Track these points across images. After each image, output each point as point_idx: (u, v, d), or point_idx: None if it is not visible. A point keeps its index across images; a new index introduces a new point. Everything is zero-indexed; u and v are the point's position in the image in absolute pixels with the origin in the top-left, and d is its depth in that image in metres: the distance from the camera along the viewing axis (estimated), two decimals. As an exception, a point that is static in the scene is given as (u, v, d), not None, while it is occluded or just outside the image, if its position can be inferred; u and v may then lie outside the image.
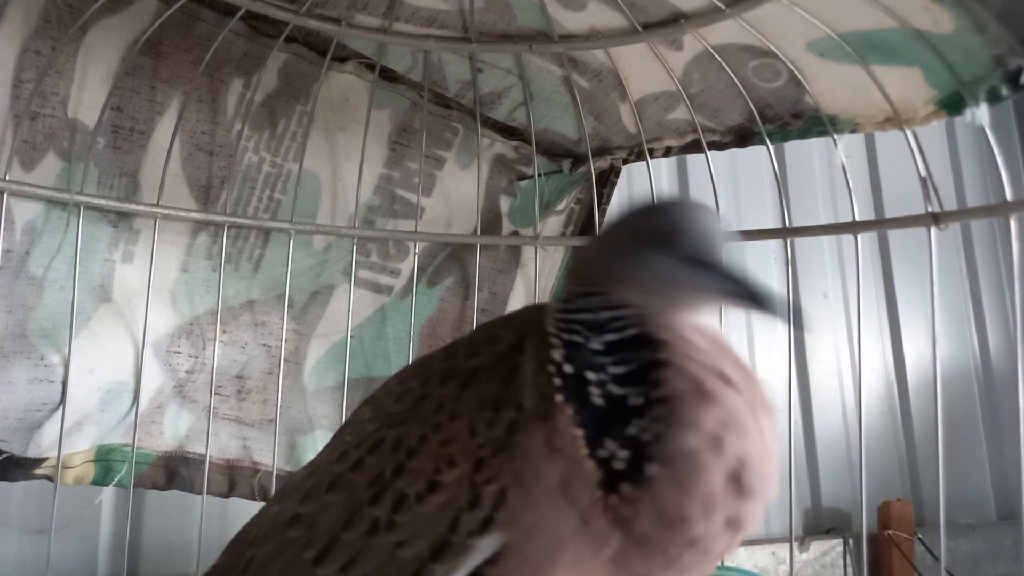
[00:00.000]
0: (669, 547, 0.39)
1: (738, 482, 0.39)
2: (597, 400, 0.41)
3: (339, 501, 0.44)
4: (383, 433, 0.45)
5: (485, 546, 0.40)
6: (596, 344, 0.42)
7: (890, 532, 1.38)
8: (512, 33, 0.90)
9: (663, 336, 0.42)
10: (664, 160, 1.24)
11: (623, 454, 0.39)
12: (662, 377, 0.40)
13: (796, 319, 0.48)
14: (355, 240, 0.95)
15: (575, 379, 0.41)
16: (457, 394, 0.44)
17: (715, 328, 0.46)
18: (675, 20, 0.81)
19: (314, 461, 0.50)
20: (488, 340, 0.46)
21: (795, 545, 1.35)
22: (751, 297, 0.42)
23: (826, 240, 1.59)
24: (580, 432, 0.40)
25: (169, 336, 0.89)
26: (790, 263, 0.89)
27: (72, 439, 0.83)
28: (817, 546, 1.39)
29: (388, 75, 0.96)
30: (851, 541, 1.40)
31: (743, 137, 0.92)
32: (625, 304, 0.43)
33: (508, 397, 0.42)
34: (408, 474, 0.42)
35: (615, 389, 0.41)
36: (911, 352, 1.63)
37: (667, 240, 0.43)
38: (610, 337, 0.42)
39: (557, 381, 0.42)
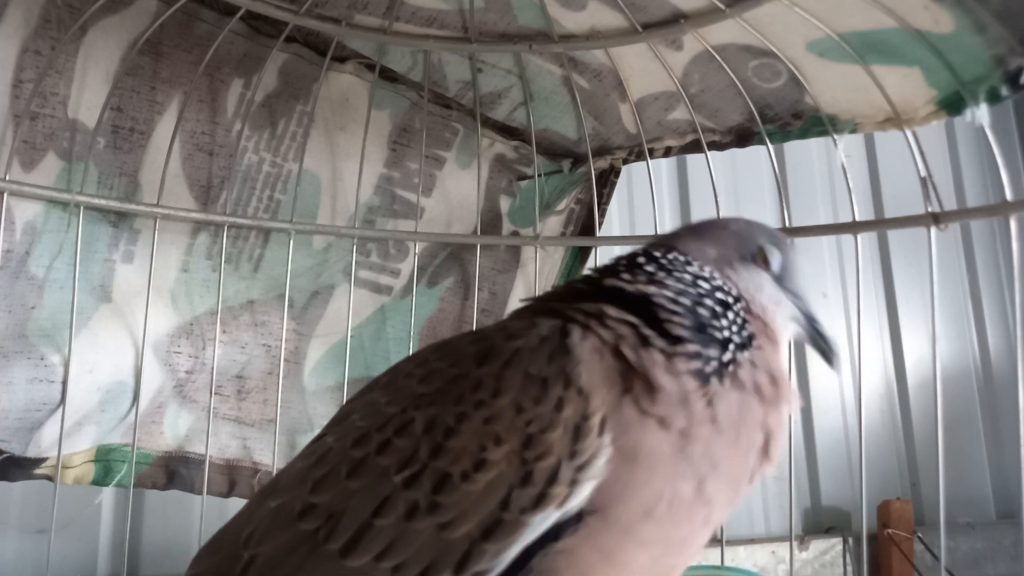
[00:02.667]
0: (734, 445, 0.45)
1: (767, 447, 0.47)
2: (712, 328, 0.47)
3: (366, 487, 0.42)
4: (411, 414, 0.43)
5: (537, 523, 0.40)
6: (710, 300, 0.49)
7: (890, 531, 1.38)
8: (512, 33, 0.90)
9: (759, 342, 0.50)
10: (664, 160, 1.24)
11: (713, 364, 0.46)
12: (755, 353, 0.48)
13: (829, 356, 0.56)
14: (355, 240, 0.95)
15: (671, 301, 0.47)
16: (499, 372, 0.43)
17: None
18: (675, 20, 0.81)
19: (313, 451, 0.47)
20: (527, 326, 0.46)
21: (795, 544, 1.35)
22: (823, 341, 0.54)
23: (826, 240, 1.59)
24: (675, 341, 0.45)
25: (169, 336, 0.89)
26: (790, 263, 0.89)
27: (72, 439, 0.83)
28: (817, 545, 1.39)
29: (388, 75, 0.96)
30: (851, 540, 1.40)
31: (743, 137, 0.92)
32: (744, 299, 0.51)
33: (555, 373, 0.42)
34: (449, 453, 0.41)
35: (727, 331, 0.47)
36: (911, 352, 1.63)
37: (776, 268, 0.53)
38: (735, 309, 0.49)
39: (633, 342, 0.45)
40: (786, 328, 0.54)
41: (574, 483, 0.40)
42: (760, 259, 0.53)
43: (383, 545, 0.40)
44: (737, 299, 0.50)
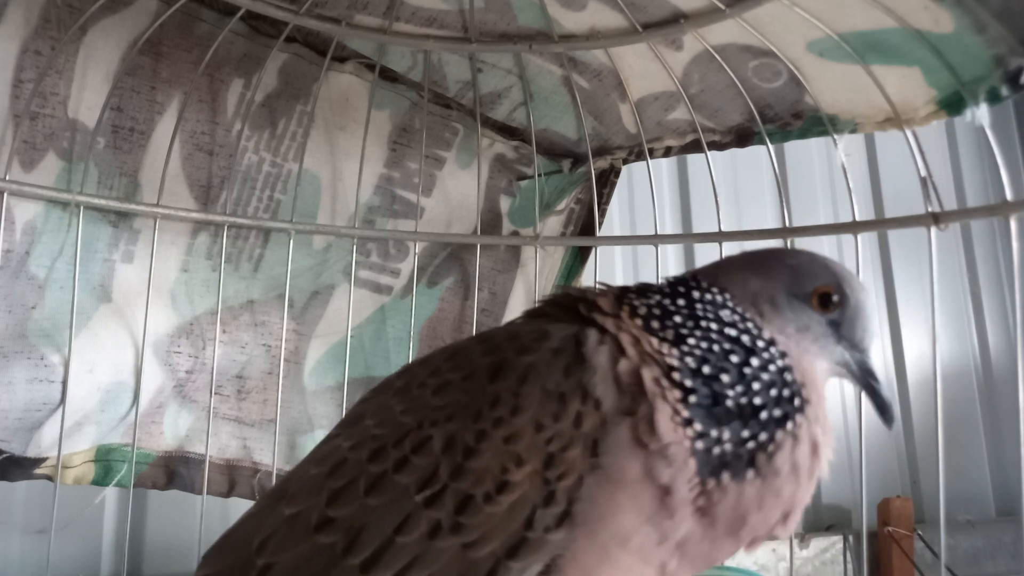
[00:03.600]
0: (720, 539, 0.43)
1: (785, 520, 0.45)
2: (727, 399, 0.43)
3: (386, 504, 0.41)
4: (427, 431, 0.43)
5: (560, 538, 0.40)
6: (735, 356, 0.45)
7: (890, 529, 1.38)
8: (512, 33, 0.90)
9: (807, 393, 0.46)
10: (664, 160, 1.24)
11: (728, 447, 0.42)
12: (800, 420, 0.45)
13: (884, 414, 0.51)
14: (355, 240, 0.95)
15: (693, 373, 0.44)
16: (516, 388, 0.42)
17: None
18: (675, 20, 0.81)
19: (326, 456, 0.46)
20: (539, 336, 0.45)
21: (795, 542, 1.35)
22: (878, 397, 0.50)
23: (826, 240, 1.59)
24: (687, 422, 0.42)
25: (169, 336, 0.89)
26: (790, 263, 0.89)
27: (72, 439, 0.83)
28: (817, 543, 1.39)
29: (388, 75, 0.96)
30: (851, 538, 1.40)
31: (743, 137, 0.92)
32: (775, 339, 0.47)
33: (572, 388, 0.42)
34: (470, 475, 0.41)
35: (756, 397, 0.44)
36: (911, 351, 1.63)
37: (832, 312, 0.49)
38: (759, 358, 0.45)
39: (656, 373, 0.43)
40: (826, 373, 0.50)
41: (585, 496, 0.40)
42: (815, 300, 0.49)
43: (405, 562, 0.40)
44: (771, 345, 0.47)
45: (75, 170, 0.82)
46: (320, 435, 0.95)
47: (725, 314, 0.47)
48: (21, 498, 0.97)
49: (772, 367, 0.45)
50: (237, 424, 0.93)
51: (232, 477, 0.92)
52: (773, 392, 0.44)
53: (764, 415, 0.44)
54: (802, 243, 0.81)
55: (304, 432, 0.95)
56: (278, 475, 0.90)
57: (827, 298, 0.49)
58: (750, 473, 0.43)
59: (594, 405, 0.42)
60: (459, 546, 0.39)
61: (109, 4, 0.81)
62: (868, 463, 0.83)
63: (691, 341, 0.45)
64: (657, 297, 0.48)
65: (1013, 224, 0.70)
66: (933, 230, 0.76)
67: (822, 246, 1.59)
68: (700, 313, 0.47)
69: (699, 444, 0.42)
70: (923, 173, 0.75)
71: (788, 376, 0.46)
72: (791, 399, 0.45)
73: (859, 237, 0.83)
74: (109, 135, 0.85)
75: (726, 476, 0.42)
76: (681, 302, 0.48)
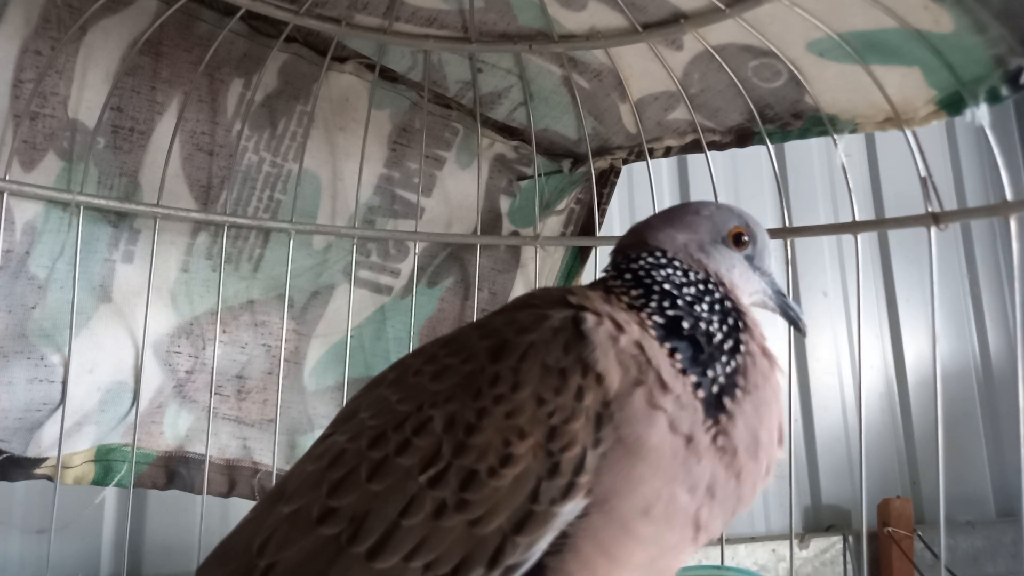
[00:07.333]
0: (744, 467, 0.46)
1: (780, 434, 0.49)
2: (701, 338, 0.48)
3: (389, 488, 0.41)
4: (428, 412, 0.43)
5: (568, 511, 0.40)
6: (692, 299, 0.50)
7: (890, 529, 1.39)
8: (512, 33, 0.90)
9: (744, 313, 0.52)
10: (664, 160, 1.24)
11: (722, 380, 0.47)
12: (745, 338, 0.50)
13: (798, 324, 0.59)
14: (355, 240, 0.95)
15: (672, 323, 0.48)
16: (516, 365, 0.43)
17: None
18: (675, 20, 0.81)
19: (323, 452, 0.46)
20: (538, 318, 0.46)
21: (795, 542, 1.35)
22: (791, 312, 0.59)
23: (826, 239, 1.59)
24: (683, 372, 0.46)
25: (169, 336, 0.89)
26: (790, 262, 0.89)
27: (72, 439, 0.83)
28: (817, 543, 1.40)
29: (388, 75, 0.96)
30: (851, 538, 1.41)
31: (743, 137, 0.92)
32: (715, 280, 0.53)
33: (572, 363, 0.43)
34: (473, 450, 0.41)
35: (718, 333, 0.49)
36: (911, 351, 1.64)
37: (746, 248, 0.56)
38: (708, 297, 0.51)
39: (653, 334, 0.47)
40: (750, 300, 0.57)
41: (599, 471, 0.41)
42: (731, 241, 0.56)
43: (412, 545, 0.40)
44: (708, 281, 0.52)
45: (75, 170, 0.82)
46: (320, 435, 0.95)
47: (669, 272, 0.52)
48: (21, 498, 0.97)
49: (724, 304, 0.51)
50: (237, 424, 0.93)
51: (232, 477, 0.92)
52: (728, 322, 0.50)
53: (729, 344, 0.49)
54: (802, 243, 0.81)
55: (304, 432, 0.95)
56: (278, 475, 0.90)
57: (740, 237, 0.56)
58: (738, 392, 0.47)
59: (595, 379, 0.42)
60: (465, 523, 0.40)
61: (109, 4, 0.81)
62: (868, 464, 0.84)
63: (658, 306, 0.49)
64: (622, 282, 0.52)
65: (1013, 224, 0.70)
66: (933, 230, 0.76)
67: (822, 246, 1.60)
68: (650, 282, 0.51)
69: (700, 392, 0.46)
70: (923, 173, 0.75)
71: (728, 304, 0.52)
72: (736, 324, 0.50)
73: (859, 237, 0.84)
74: (109, 135, 0.85)
75: (728, 401, 0.46)
76: (629, 276, 0.52)
